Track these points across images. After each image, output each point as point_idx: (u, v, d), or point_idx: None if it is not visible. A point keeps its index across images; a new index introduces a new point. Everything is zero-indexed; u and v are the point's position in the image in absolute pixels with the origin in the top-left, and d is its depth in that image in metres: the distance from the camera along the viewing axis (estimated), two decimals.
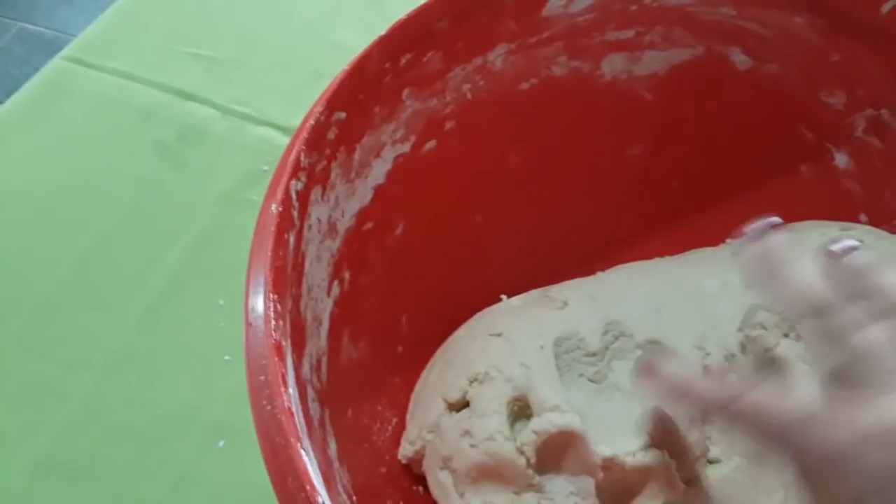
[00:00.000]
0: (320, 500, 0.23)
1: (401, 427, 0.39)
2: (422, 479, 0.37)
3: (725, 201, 0.47)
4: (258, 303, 0.27)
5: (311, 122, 0.31)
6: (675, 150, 0.47)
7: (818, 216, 0.43)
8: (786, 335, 0.37)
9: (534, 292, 0.41)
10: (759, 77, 0.44)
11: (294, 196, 0.30)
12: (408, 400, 0.40)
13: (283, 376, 0.26)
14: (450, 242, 0.44)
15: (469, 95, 0.42)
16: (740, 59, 0.44)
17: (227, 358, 0.46)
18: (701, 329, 0.36)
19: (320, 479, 0.25)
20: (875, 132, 0.43)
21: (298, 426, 0.26)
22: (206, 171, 0.54)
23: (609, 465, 0.32)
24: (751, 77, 0.44)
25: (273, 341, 0.26)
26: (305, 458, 0.24)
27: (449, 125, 0.42)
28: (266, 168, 0.54)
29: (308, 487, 0.23)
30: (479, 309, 0.42)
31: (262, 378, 0.26)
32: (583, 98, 0.44)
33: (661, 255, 0.44)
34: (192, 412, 0.44)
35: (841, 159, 0.44)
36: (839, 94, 0.43)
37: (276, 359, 0.26)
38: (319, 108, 0.31)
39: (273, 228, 0.28)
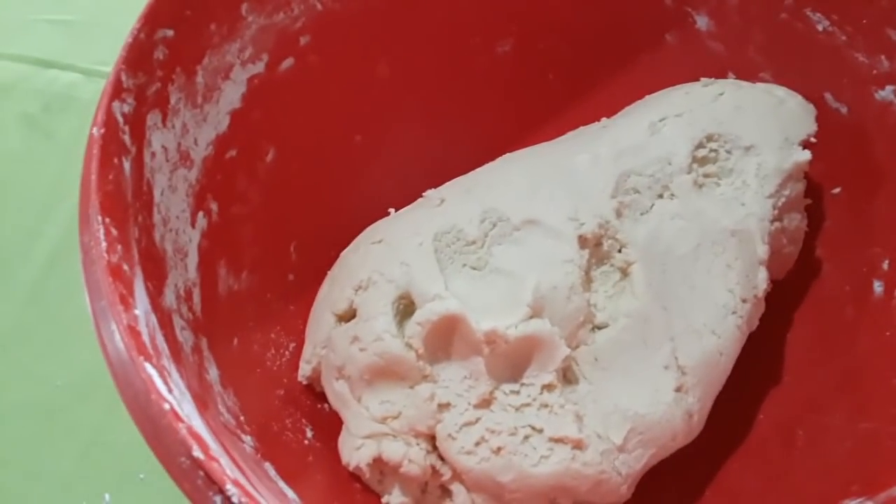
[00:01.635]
0: (167, 406, 0.22)
1: (299, 351, 0.38)
2: (324, 397, 0.36)
3: (599, 83, 0.46)
4: (89, 227, 0.26)
5: (129, 39, 0.29)
6: (544, 40, 0.46)
7: (691, 81, 0.43)
8: (660, 196, 0.37)
9: (418, 200, 0.41)
10: None
11: (120, 119, 0.29)
12: (304, 326, 0.39)
13: (125, 298, 0.25)
14: (330, 164, 0.43)
15: (319, 6, 0.40)
16: None
17: None
18: (574, 202, 0.36)
19: (173, 393, 0.24)
20: None
21: (150, 346, 0.25)
22: (77, 138, 0.51)
23: (492, 338, 0.32)
24: None
25: (107, 262, 0.25)
26: (152, 372, 0.23)
27: (304, 40, 0.40)
28: None
29: (154, 396, 0.22)
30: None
31: (103, 303, 0.25)
32: None
33: (540, 141, 0.43)
34: (92, 378, 0.43)
35: (702, 21, 0.44)
36: None
37: (112, 279, 0.25)
38: (137, 25, 0.30)
39: (96, 151, 0.27)
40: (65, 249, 0.47)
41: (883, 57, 0.38)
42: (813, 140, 0.39)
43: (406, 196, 0.41)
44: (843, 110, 0.41)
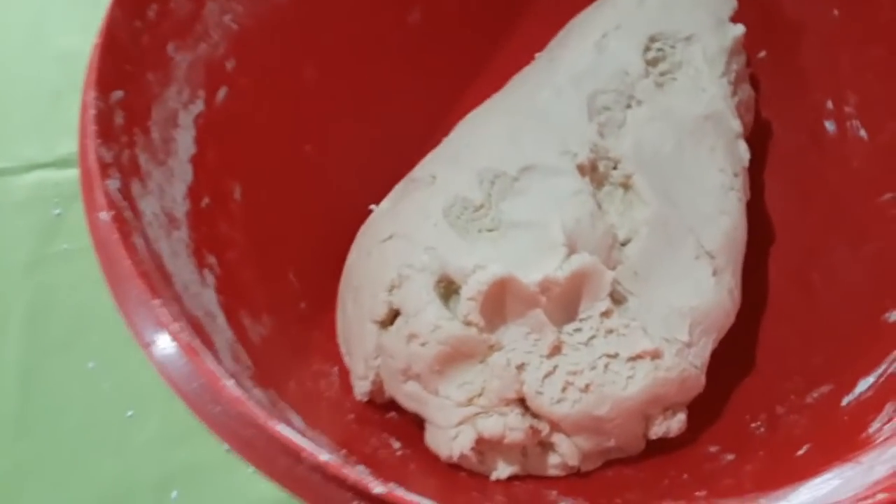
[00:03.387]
0: (327, 462, 0.21)
1: (344, 373, 0.37)
2: (390, 406, 0.35)
3: (518, 24, 0.47)
4: (146, 319, 0.24)
5: (93, 110, 0.27)
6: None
7: None
8: (628, 106, 0.38)
9: (398, 186, 0.40)
10: None
11: (119, 196, 0.26)
12: (336, 347, 0.38)
13: (214, 375, 0.24)
14: (293, 181, 0.41)
15: (235, 26, 0.38)
16: None
17: (129, 413, 0.42)
18: (559, 136, 0.36)
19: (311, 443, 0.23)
20: None
21: (259, 411, 0.24)
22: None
23: (546, 286, 0.32)
24: None
25: (186, 345, 0.23)
26: (287, 433, 0.22)
27: (230, 65, 0.38)
28: (58, 211, 0.48)
29: (311, 458, 0.21)
30: (357, 229, 0.40)
31: (195, 385, 0.23)
32: None
33: (489, 96, 0.43)
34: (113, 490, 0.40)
35: None
36: None
37: (198, 359, 0.23)
38: (93, 93, 0.27)
39: (116, 235, 0.25)
40: (32, 362, 0.43)
41: None
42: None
43: (379, 188, 0.41)
44: None
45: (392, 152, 0.43)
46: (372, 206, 0.40)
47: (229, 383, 0.23)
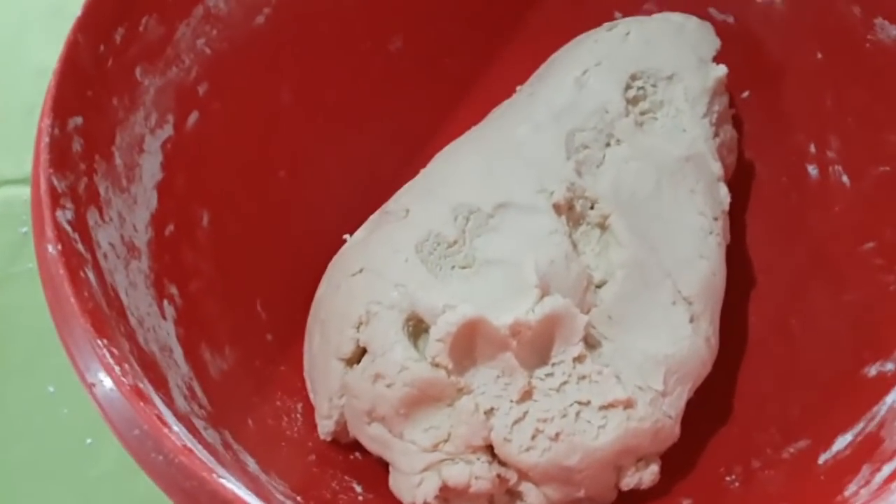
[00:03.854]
0: None
1: (309, 409, 0.36)
2: (354, 446, 0.34)
3: (500, 55, 0.46)
4: (91, 358, 0.23)
5: (46, 138, 0.26)
6: (430, 27, 0.45)
7: (583, 30, 0.43)
8: (608, 144, 0.38)
9: (373, 216, 0.39)
10: None
11: (68, 228, 0.25)
12: (303, 382, 0.37)
13: (160, 417, 0.22)
14: (265, 209, 0.40)
15: (208, 51, 0.37)
16: None
17: (88, 441, 0.40)
18: (535, 173, 0.36)
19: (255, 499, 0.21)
20: None
21: (210, 458, 0.22)
22: None
23: (517, 329, 0.31)
24: None
25: (129, 388, 0.22)
26: (231, 486, 0.21)
27: (202, 90, 0.37)
28: (25, 230, 0.46)
29: None
30: (331, 259, 0.39)
31: (137, 432, 0.22)
32: (325, 7, 0.41)
33: (469, 127, 0.43)
34: None
35: None
36: None
37: (142, 404, 0.22)
38: (48, 121, 0.26)
39: (62, 271, 0.23)
40: None
41: None
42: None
43: (351, 218, 0.40)
44: (731, 20, 0.43)
45: (369, 181, 0.42)
46: (346, 236, 0.39)
47: (174, 430, 0.22)
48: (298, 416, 0.35)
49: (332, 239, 0.39)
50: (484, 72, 0.46)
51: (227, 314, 0.36)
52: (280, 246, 0.40)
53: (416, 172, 0.41)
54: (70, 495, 0.40)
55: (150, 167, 0.34)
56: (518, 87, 0.43)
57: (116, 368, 0.22)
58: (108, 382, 0.22)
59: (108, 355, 0.22)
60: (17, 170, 0.48)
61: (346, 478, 0.33)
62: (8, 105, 0.50)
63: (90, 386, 0.22)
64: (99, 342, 0.23)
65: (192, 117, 0.37)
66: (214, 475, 0.21)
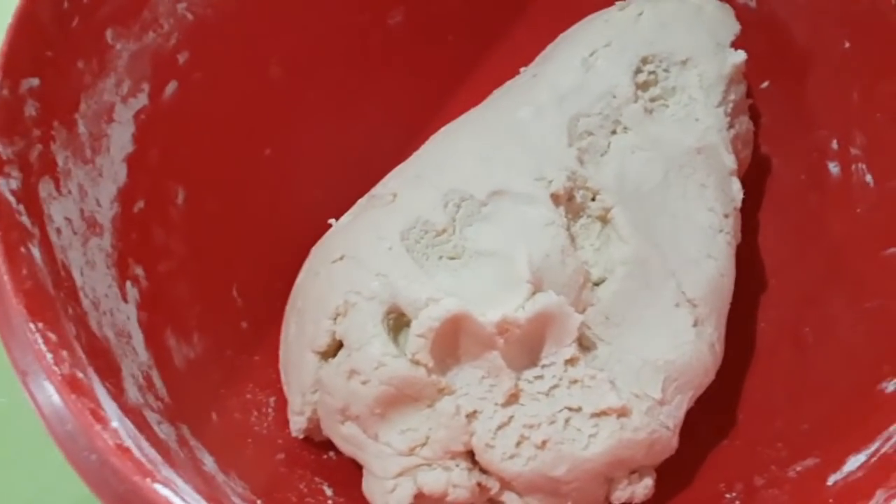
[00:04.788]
0: None
1: (282, 404, 0.33)
2: (328, 445, 0.32)
3: (505, 33, 0.44)
4: (24, 344, 0.21)
5: None
6: (435, 1, 0.42)
7: (594, 9, 0.41)
8: (613, 132, 0.35)
9: (360, 201, 0.36)
10: None
11: (11, 198, 0.23)
12: (277, 374, 0.34)
13: (96, 412, 0.20)
14: (247, 188, 0.38)
15: (190, 16, 0.35)
16: None
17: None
18: (534, 160, 0.33)
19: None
20: None
21: (146, 460, 0.20)
22: None
23: (504, 327, 0.29)
24: None
25: (61, 378, 0.20)
26: (165, 492, 0.19)
27: (182, 58, 0.35)
28: None
29: None
30: (314, 245, 0.37)
31: (69, 427, 0.20)
32: None
33: (468, 109, 0.40)
34: None
35: None
36: None
37: (74, 396, 0.20)
38: None
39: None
40: None
41: None
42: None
43: (340, 202, 0.37)
44: (752, 3, 0.40)
45: (360, 163, 0.39)
46: (332, 221, 0.37)
47: (111, 427, 0.20)
48: (270, 410, 0.33)
49: (318, 223, 0.37)
50: (488, 51, 0.44)
51: (198, 298, 0.34)
52: (261, 228, 0.38)
53: (410, 154, 0.39)
54: (30, 485, 0.38)
55: (120, 138, 0.31)
56: (522, 69, 0.40)
57: (49, 356, 0.20)
58: (39, 371, 0.20)
59: (40, 340, 0.20)
60: None
61: (316, 479, 0.31)
62: None
63: (22, 374, 0.20)
64: (32, 325, 0.20)
65: (171, 87, 0.34)
66: (149, 480, 0.18)
